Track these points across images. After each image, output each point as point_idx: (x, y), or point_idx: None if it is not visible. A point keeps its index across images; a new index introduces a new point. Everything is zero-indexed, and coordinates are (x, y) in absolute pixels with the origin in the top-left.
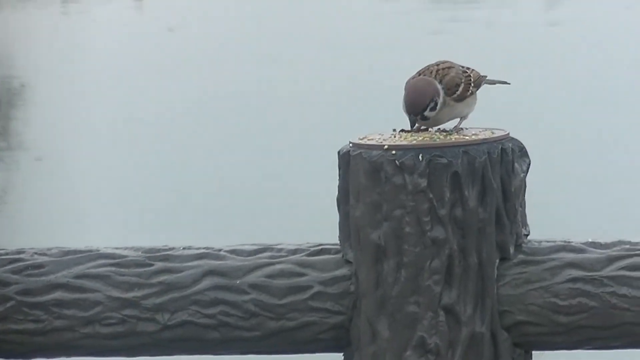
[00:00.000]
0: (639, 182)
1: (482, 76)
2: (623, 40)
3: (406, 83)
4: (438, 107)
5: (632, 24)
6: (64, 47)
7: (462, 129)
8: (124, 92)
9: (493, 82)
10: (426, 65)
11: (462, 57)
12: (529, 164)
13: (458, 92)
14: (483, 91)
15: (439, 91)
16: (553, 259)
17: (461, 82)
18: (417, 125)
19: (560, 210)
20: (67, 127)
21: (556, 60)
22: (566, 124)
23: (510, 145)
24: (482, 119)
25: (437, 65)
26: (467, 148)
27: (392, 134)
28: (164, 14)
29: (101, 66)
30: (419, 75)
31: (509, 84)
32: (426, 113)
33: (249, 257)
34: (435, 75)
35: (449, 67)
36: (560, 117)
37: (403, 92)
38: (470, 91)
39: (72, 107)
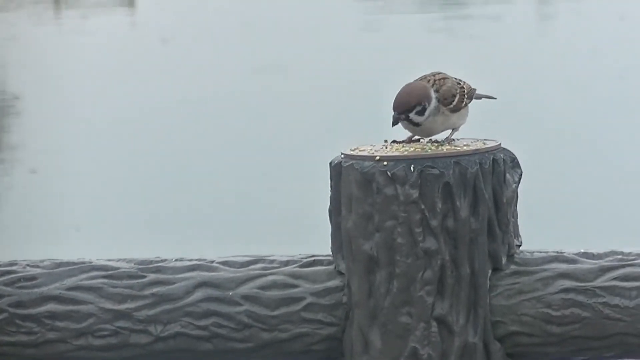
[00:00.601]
0: (632, 191)
1: (473, 89)
2: (617, 51)
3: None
4: (427, 114)
5: (626, 35)
6: (58, 58)
7: (453, 139)
8: (118, 104)
9: (480, 97)
10: (422, 75)
11: (455, 68)
12: (521, 175)
13: (454, 103)
14: (474, 101)
15: (431, 98)
16: (545, 270)
17: (457, 93)
18: (411, 128)
19: (553, 221)
20: (62, 139)
21: (549, 71)
22: (558, 134)
23: (501, 155)
24: (473, 129)
25: (434, 75)
26: (458, 159)
27: (384, 145)
28: (157, 26)
29: (95, 78)
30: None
31: (496, 98)
32: (411, 115)
33: (241, 269)
34: (433, 85)
35: (444, 78)
36: (552, 127)
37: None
38: (464, 102)
39: (66, 119)
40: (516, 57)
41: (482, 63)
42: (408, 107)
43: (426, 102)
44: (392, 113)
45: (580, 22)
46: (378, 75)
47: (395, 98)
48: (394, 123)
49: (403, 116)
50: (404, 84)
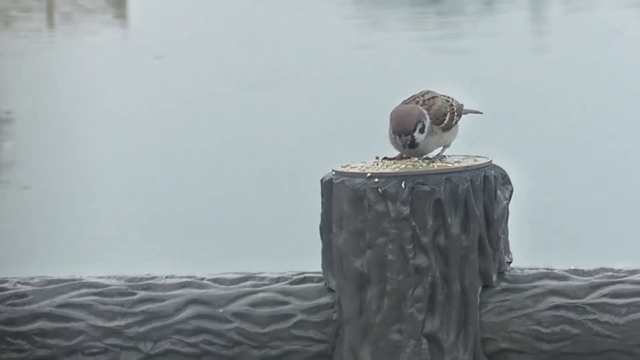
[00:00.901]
0: (622, 208)
1: (461, 105)
2: (612, 67)
3: (391, 112)
4: (426, 132)
5: (621, 50)
6: (52, 75)
7: (444, 156)
8: (111, 121)
9: (467, 112)
10: (411, 95)
11: (448, 84)
12: (512, 191)
13: (445, 122)
14: (465, 118)
15: (425, 115)
16: (536, 287)
17: (447, 112)
18: (404, 151)
19: (544, 237)
20: (54, 156)
21: (543, 87)
22: (550, 150)
23: (492, 172)
24: (465, 146)
25: (422, 95)
26: (449, 175)
27: (375, 162)
28: (151, 42)
29: (88, 95)
30: (404, 104)
31: (482, 113)
32: (415, 135)
33: (231, 286)
34: (423, 105)
35: (433, 97)
36: (544, 144)
37: (389, 123)
38: (454, 120)
39: (59, 136)
40: (510, 74)
41: (476, 80)
42: (413, 127)
43: (424, 119)
44: (397, 139)
45: (575, 38)
46: (371, 93)
47: (396, 123)
48: (405, 146)
49: (410, 137)
50: (393, 110)
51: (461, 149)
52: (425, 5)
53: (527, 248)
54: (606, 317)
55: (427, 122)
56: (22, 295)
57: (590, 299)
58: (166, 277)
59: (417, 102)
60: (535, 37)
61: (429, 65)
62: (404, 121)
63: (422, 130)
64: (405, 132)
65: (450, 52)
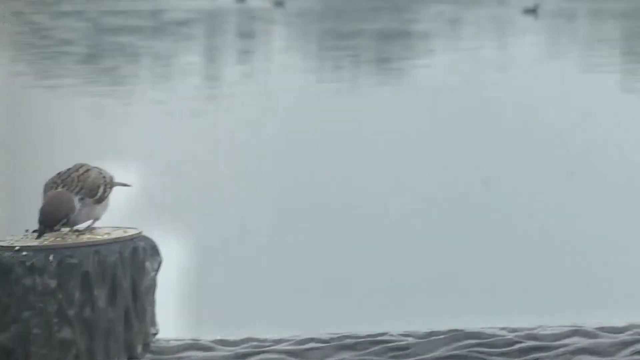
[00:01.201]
0: (259, 279)
1: (112, 176)
2: (259, 149)
3: (45, 190)
4: (70, 221)
5: (299, 125)
6: None
7: (94, 228)
8: None
9: (116, 184)
10: (66, 168)
11: (110, 152)
12: (160, 263)
13: (99, 194)
14: (123, 189)
15: (75, 208)
16: (181, 358)
17: (101, 184)
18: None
19: (190, 308)
20: None
21: (204, 156)
22: (211, 223)
23: (142, 244)
24: (121, 218)
25: (77, 170)
26: (98, 248)
27: (25, 235)
28: None
29: None
30: (60, 179)
31: (131, 185)
32: (56, 227)
33: None
34: (77, 182)
35: (87, 170)
36: (204, 216)
37: (43, 196)
38: (107, 192)
39: None
40: (173, 142)
41: (139, 148)
42: (56, 222)
43: (70, 214)
44: (40, 225)
45: (245, 113)
46: (29, 160)
47: (43, 211)
48: (40, 236)
49: (49, 229)
50: (48, 193)
51: (118, 221)
52: (99, 73)
53: (176, 319)
54: None
55: (74, 213)
56: None
57: None
58: None
59: (72, 180)
60: (208, 98)
61: (94, 132)
62: (51, 215)
63: (65, 224)
64: (45, 223)
65: (119, 119)
